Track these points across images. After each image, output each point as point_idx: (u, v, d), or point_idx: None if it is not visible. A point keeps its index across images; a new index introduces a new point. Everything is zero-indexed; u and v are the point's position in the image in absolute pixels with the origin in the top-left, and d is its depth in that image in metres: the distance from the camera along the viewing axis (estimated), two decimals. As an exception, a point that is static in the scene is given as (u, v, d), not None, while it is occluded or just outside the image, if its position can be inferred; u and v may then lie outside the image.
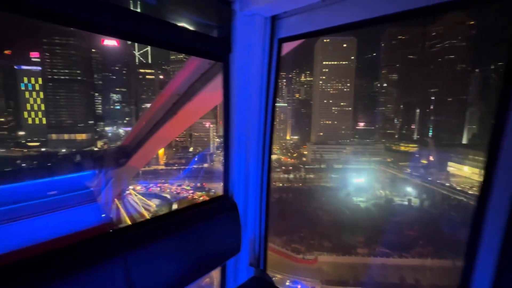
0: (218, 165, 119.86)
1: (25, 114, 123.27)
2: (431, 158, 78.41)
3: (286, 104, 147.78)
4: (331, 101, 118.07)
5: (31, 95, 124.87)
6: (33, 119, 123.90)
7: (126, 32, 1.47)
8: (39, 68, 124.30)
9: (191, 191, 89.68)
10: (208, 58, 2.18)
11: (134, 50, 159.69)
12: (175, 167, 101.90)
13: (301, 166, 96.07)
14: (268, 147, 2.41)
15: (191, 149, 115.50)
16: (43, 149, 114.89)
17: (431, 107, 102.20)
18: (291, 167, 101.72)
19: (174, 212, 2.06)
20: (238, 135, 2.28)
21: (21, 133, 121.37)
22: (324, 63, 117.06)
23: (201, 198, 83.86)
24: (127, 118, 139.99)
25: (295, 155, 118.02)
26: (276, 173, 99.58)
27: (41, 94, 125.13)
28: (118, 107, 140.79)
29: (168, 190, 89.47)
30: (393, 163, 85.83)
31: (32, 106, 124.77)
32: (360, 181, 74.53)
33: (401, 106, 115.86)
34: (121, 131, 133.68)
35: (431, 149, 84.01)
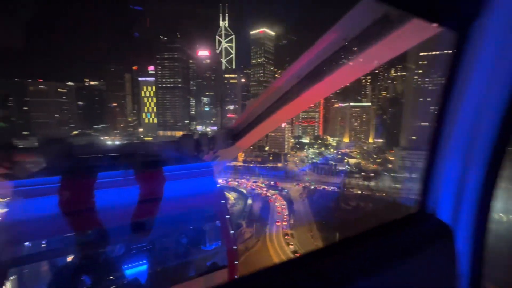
0: (292, 166, 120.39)
1: (143, 115, 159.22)
2: None
3: (370, 104, 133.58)
4: (429, 99, 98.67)
5: (147, 100, 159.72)
6: (148, 119, 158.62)
7: None
8: (153, 78, 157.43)
9: (265, 189, 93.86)
10: (437, 22, 1.52)
11: (221, 58, 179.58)
12: (251, 164, 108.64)
13: (386, 173, 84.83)
14: (500, 154, 1.72)
15: (266, 148, 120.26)
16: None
17: None
18: (372, 174, 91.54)
19: (365, 233, 1.56)
20: (458, 134, 1.72)
21: (141, 129, 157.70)
22: (421, 54, 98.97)
23: (273, 197, 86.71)
24: (213, 119, 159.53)
25: (378, 160, 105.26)
26: (354, 179, 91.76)
27: (154, 99, 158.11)
28: (207, 109, 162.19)
29: (244, 185, 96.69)
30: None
31: (148, 108, 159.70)
32: (469, 199, 59.28)
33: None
34: (208, 129, 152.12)
35: None
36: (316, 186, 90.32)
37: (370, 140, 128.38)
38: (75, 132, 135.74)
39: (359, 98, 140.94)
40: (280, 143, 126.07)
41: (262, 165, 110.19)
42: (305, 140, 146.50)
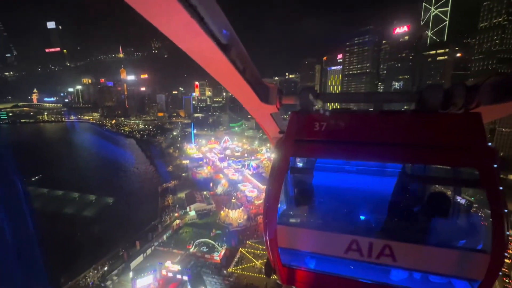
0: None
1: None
2: None
3: None
4: None
5: (333, 89, 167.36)
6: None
7: None
8: (340, 67, 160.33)
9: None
10: None
11: (427, 30, 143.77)
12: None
13: None
14: None
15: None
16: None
17: None
18: None
19: None
20: None
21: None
22: None
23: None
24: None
25: None
26: None
27: (339, 87, 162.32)
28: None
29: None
30: None
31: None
32: None
33: None
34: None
35: None
36: None
37: None
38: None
39: None
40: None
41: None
42: None
